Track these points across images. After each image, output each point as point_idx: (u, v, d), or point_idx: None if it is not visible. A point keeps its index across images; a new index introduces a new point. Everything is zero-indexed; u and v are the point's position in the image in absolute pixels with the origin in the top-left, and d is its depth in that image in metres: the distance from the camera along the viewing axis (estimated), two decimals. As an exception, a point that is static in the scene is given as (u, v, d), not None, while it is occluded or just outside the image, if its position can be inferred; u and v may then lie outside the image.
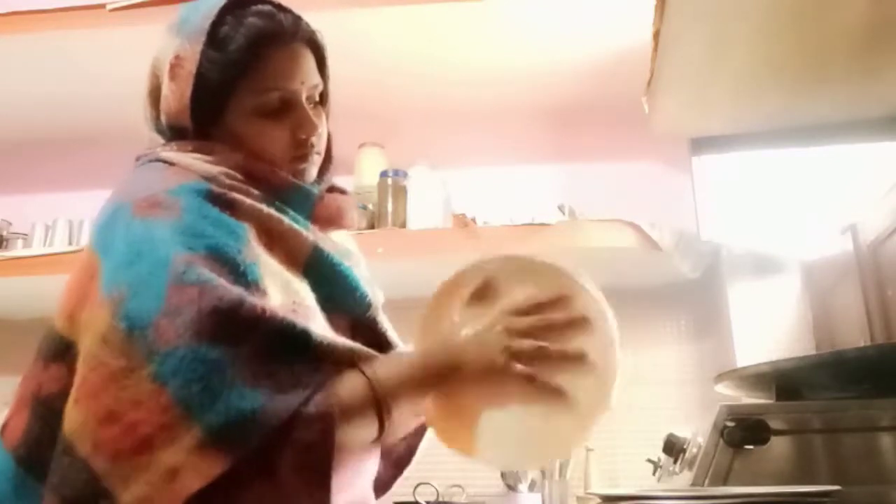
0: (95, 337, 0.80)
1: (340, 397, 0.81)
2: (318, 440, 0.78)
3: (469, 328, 0.88)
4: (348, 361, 0.85)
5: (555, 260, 0.92)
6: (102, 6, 1.85)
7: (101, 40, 1.85)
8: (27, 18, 1.88)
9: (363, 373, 0.84)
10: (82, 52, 1.91)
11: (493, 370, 0.85)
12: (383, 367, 0.86)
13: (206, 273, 0.80)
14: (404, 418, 0.90)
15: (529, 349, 0.85)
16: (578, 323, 0.87)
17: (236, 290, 0.80)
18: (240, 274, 0.83)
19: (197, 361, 0.75)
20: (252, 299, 0.81)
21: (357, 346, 0.89)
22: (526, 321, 0.86)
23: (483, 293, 0.90)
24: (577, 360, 0.85)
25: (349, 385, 0.83)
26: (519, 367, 0.84)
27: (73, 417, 0.78)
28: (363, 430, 0.85)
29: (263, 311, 0.80)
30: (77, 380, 0.80)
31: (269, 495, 0.77)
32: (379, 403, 0.83)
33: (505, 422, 0.86)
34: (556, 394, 0.84)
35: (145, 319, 0.78)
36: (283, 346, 0.80)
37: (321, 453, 0.78)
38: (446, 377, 0.86)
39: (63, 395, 0.83)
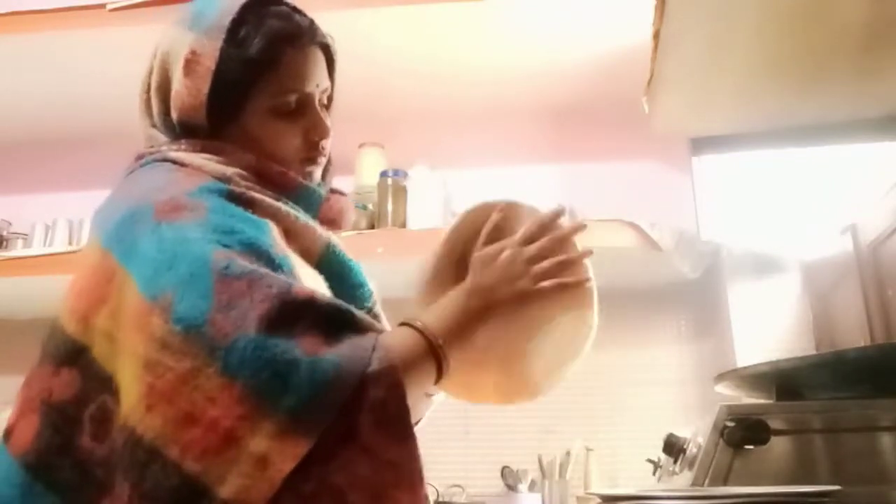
0: (153, 343, 0.79)
1: (399, 352, 0.83)
2: (391, 395, 0.79)
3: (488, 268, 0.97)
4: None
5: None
6: (102, 6, 1.85)
7: (101, 40, 1.86)
8: (27, 18, 1.88)
9: (412, 325, 0.88)
10: (82, 52, 1.92)
11: (525, 295, 0.95)
12: (428, 317, 0.90)
13: (249, 265, 0.81)
14: (453, 362, 0.93)
15: (549, 266, 0.96)
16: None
17: (282, 277, 0.82)
18: (276, 266, 0.84)
19: (259, 349, 0.76)
20: (298, 283, 0.83)
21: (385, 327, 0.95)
22: (537, 245, 0.97)
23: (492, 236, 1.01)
24: (587, 255, 1.00)
25: (402, 339, 0.86)
26: (546, 283, 0.96)
27: (151, 424, 0.77)
28: (424, 379, 0.88)
29: (312, 292, 0.82)
30: (141, 388, 0.78)
31: (359, 458, 0.78)
32: (434, 349, 0.87)
33: (545, 342, 0.99)
34: (585, 285, 0.99)
35: (199, 318, 0.78)
36: (334, 324, 0.82)
37: (397, 406, 0.79)
38: (485, 313, 0.94)
39: (78, 401, 0.83)
